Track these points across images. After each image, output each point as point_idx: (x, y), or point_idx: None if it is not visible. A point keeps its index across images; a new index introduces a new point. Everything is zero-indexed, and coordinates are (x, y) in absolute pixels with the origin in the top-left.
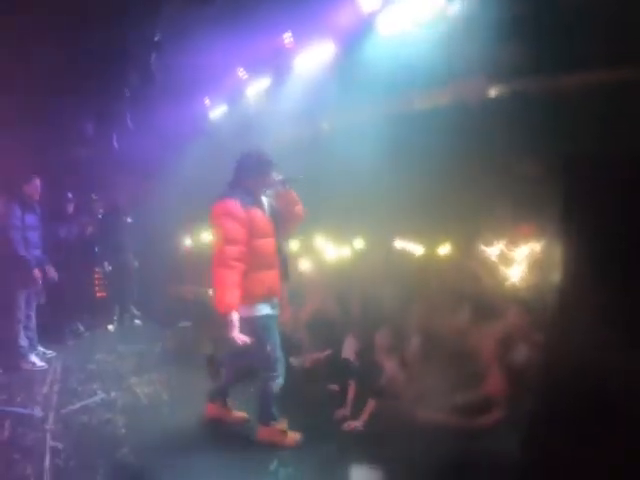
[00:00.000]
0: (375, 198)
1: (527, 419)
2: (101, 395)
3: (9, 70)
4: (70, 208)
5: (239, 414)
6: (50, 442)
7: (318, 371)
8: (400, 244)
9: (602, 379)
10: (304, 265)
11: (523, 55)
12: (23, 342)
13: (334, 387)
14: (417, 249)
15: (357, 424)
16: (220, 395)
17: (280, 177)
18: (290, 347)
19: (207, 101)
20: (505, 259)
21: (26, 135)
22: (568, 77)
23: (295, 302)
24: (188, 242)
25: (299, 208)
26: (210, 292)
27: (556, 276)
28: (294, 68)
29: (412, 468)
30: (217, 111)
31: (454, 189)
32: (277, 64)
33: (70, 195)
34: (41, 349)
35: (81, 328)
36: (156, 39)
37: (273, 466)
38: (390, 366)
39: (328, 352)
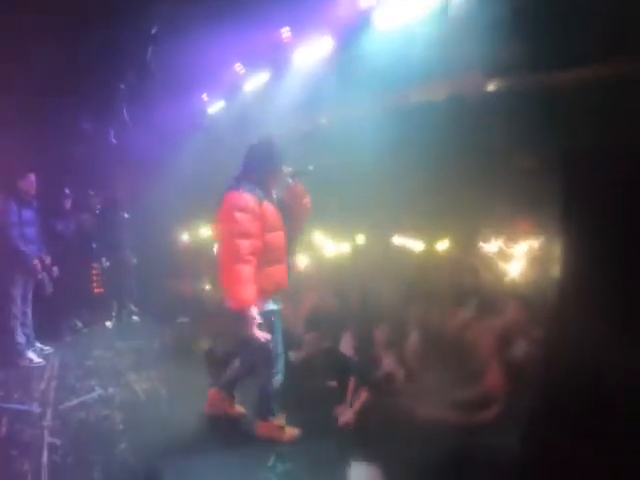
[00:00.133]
0: (373, 193)
1: (526, 414)
2: (99, 391)
3: (6, 68)
4: (67, 204)
5: (239, 408)
6: (48, 438)
7: (317, 367)
8: (399, 240)
9: (601, 374)
10: (302, 261)
11: (520, 50)
12: (20, 339)
13: (333, 383)
14: (416, 245)
15: (349, 415)
16: (227, 387)
17: (289, 169)
18: (289, 342)
19: (205, 96)
20: (504, 255)
21: (23, 132)
22: (565, 72)
23: (294, 298)
24: (186, 237)
25: (307, 201)
26: (207, 287)
27: (555, 271)
28: (292, 63)
29: (411, 464)
30: (215, 106)
31: (452, 184)
32: (275, 59)
33: (67, 191)
34: (39, 345)
35: (79, 324)
36: (153, 33)
37: (271, 462)
38: (388, 361)
39: (326, 345)
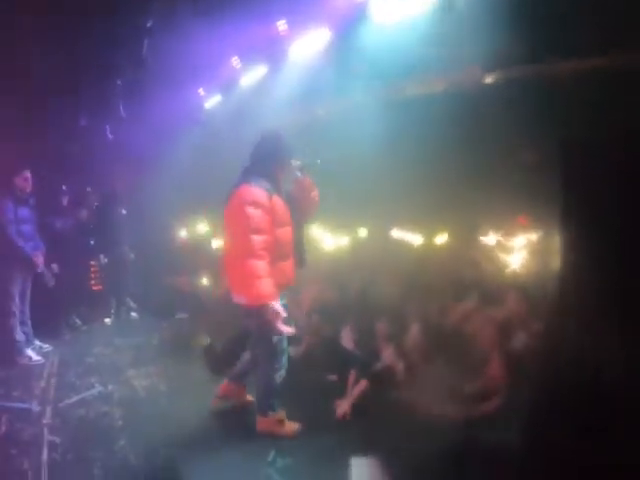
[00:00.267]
0: (372, 186)
1: (526, 407)
2: (98, 388)
3: (1, 66)
4: (65, 201)
5: (249, 397)
6: (48, 436)
7: (317, 360)
8: (398, 233)
9: (600, 367)
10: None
11: (517, 44)
12: (19, 337)
13: (333, 377)
14: (415, 238)
15: (347, 405)
16: (240, 378)
17: (298, 163)
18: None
19: (202, 91)
20: (504, 248)
21: (18, 129)
22: (563, 65)
23: (294, 291)
24: (184, 233)
25: (315, 194)
26: (206, 283)
27: (554, 264)
28: (289, 56)
29: (411, 457)
30: (212, 101)
31: (450, 177)
32: (272, 52)
33: (64, 188)
34: (38, 343)
35: (78, 321)
36: (149, 27)
37: (272, 457)
38: (388, 354)
39: (326, 338)
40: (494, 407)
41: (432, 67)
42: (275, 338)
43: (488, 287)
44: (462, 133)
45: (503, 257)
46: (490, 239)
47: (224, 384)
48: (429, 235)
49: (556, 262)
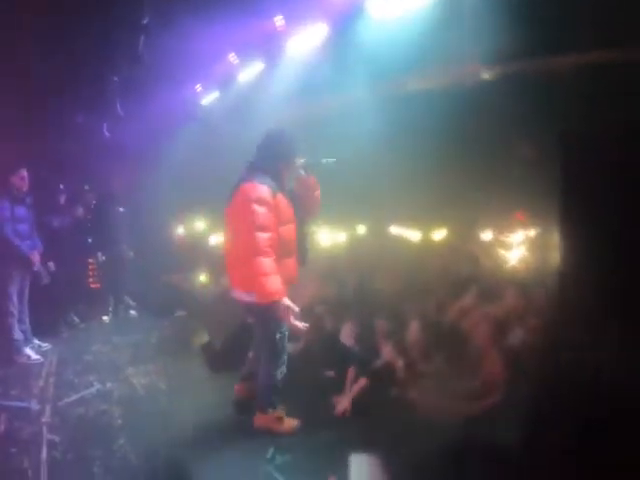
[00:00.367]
0: (369, 182)
1: (526, 404)
2: (97, 386)
3: None
4: (62, 199)
5: None
6: (47, 435)
7: (315, 357)
8: (397, 229)
9: (599, 364)
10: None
11: (516, 38)
12: (18, 335)
13: (330, 373)
14: (414, 234)
15: (347, 402)
16: (250, 377)
17: (302, 161)
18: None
19: (199, 87)
20: (502, 243)
21: (14, 128)
22: (561, 60)
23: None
24: (182, 231)
25: (318, 193)
26: (204, 280)
27: (553, 259)
28: (286, 52)
29: (410, 453)
30: (209, 97)
31: (447, 172)
32: (269, 48)
33: (62, 186)
34: (36, 342)
35: (76, 320)
36: (145, 23)
37: (270, 453)
38: (388, 351)
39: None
40: (493, 404)
41: (430, 62)
42: (278, 335)
43: (487, 283)
44: (461, 128)
45: (501, 253)
46: (488, 235)
47: (238, 385)
48: (427, 231)
49: (554, 258)
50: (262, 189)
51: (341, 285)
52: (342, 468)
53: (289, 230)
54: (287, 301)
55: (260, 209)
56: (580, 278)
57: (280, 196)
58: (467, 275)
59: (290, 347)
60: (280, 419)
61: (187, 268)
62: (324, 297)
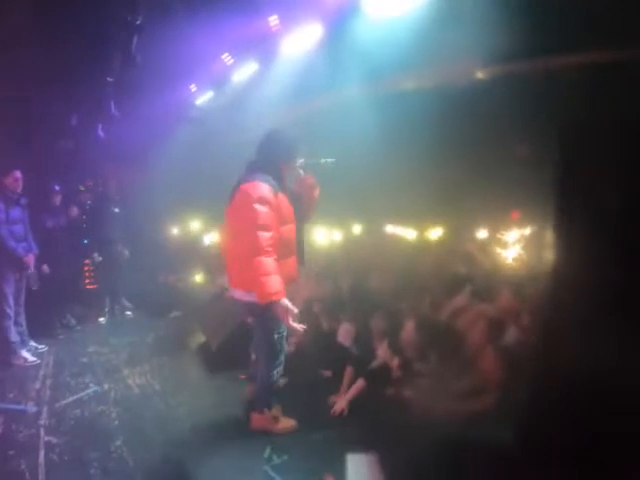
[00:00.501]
0: (364, 182)
1: (520, 404)
2: (94, 388)
3: None
4: (57, 200)
5: None
6: (44, 437)
7: (312, 357)
8: (393, 228)
9: (595, 363)
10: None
11: (512, 37)
12: (14, 337)
13: (327, 373)
14: (410, 233)
15: (343, 403)
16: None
17: (301, 161)
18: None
19: (193, 87)
20: (498, 243)
21: (8, 128)
22: (557, 59)
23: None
24: (177, 231)
25: (317, 193)
26: (200, 281)
27: (548, 259)
28: (281, 52)
29: (407, 452)
30: (204, 97)
31: (444, 172)
32: (264, 48)
33: (57, 187)
34: (33, 344)
35: (72, 321)
36: (139, 23)
37: (267, 453)
38: (383, 350)
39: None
40: (489, 403)
41: (426, 62)
42: (276, 336)
43: (482, 282)
44: (457, 128)
45: (497, 252)
46: (484, 234)
47: (249, 387)
48: (423, 230)
49: (550, 257)
50: (264, 188)
51: (337, 284)
52: (339, 468)
53: (290, 230)
54: (286, 302)
55: (262, 208)
56: (576, 277)
57: (281, 196)
58: (463, 274)
59: (287, 347)
60: (276, 419)
61: (183, 269)
62: (320, 296)
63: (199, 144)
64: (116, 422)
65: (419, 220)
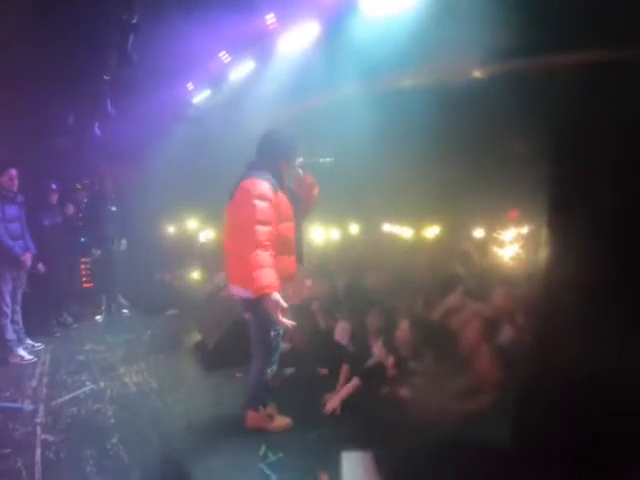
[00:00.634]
0: (361, 180)
1: (517, 403)
2: (91, 386)
3: None
4: (54, 198)
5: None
6: (41, 435)
7: (309, 355)
8: (389, 227)
9: (591, 362)
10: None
11: (509, 35)
12: (10, 336)
13: (323, 370)
14: (406, 232)
15: (336, 402)
16: None
17: (300, 160)
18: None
19: (190, 86)
20: (495, 241)
21: (4, 126)
22: (554, 57)
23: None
24: (173, 229)
25: (316, 191)
26: (195, 277)
27: (546, 257)
28: (278, 50)
29: (402, 450)
30: (201, 95)
31: (441, 170)
32: (260, 46)
33: (54, 186)
34: (29, 342)
35: (69, 319)
36: (135, 22)
37: (263, 451)
38: (378, 349)
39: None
40: (484, 402)
41: (423, 60)
42: (272, 333)
43: (476, 282)
44: (454, 127)
45: (494, 251)
46: (481, 233)
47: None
48: (420, 229)
49: (547, 257)
50: (263, 185)
51: (333, 283)
52: (334, 466)
53: (288, 228)
54: (277, 296)
55: (261, 204)
56: (573, 277)
57: (281, 194)
58: (454, 273)
59: (284, 345)
60: (271, 417)
61: (179, 267)
62: (318, 294)
63: (196, 142)
64: (112, 420)
65: (416, 219)
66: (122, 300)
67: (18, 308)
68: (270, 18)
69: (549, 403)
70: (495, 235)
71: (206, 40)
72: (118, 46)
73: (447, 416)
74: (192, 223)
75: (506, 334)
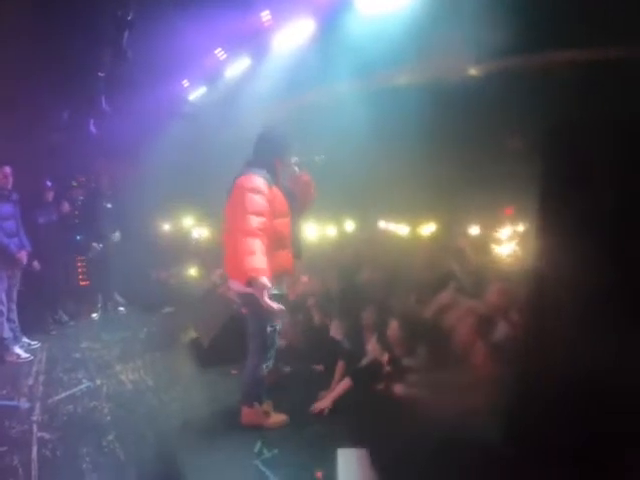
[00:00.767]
0: (356, 177)
1: (513, 401)
2: (87, 384)
3: None
4: (49, 196)
5: None
6: (37, 433)
7: (305, 351)
8: (384, 224)
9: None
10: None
11: (505, 33)
12: (7, 334)
13: (319, 367)
14: (401, 229)
15: (327, 402)
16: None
17: (296, 159)
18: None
19: (186, 83)
20: (491, 238)
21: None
22: (549, 55)
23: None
24: (168, 227)
25: (313, 189)
26: (191, 275)
27: (541, 255)
28: (273, 47)
29: (398, 447)
30: (196, 92)
31: (436, 168)
32: (256, 43)
33: (49, 183)
34: (25, 340)
35: (65, 317)
36: (131, 19)
37: (258, 447)
38: (372, 346)
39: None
40: (480, 399)
41: (418, 58)
42: (269, 328)
43: (470, 279)
44: (450, 124)
45: (490, 248)
46: (477, 230)
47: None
48: (415, 226)
49: (542, 254)
50: (257, 180)
51: (328, 279)
52: (329, 462)
53: (283, 223)
54: (265, 280)
55: (255, 196)
56: (569, 275)
57: (275, 189)
58: (447, 270)
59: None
60: (267, 413)
61: (175, 265)
62: (313, 291)
63: (192, 139)
64: (109, 417)
65: (411, 216)
66: (118, 298)
67: (14, 306)
68: (265, 15)
69: (546, 402)
70: (491, 232)
71: (202, 37)
72: (113, 43)
73: (442, 413)
74: (187, 220)
75: (501, 331)
